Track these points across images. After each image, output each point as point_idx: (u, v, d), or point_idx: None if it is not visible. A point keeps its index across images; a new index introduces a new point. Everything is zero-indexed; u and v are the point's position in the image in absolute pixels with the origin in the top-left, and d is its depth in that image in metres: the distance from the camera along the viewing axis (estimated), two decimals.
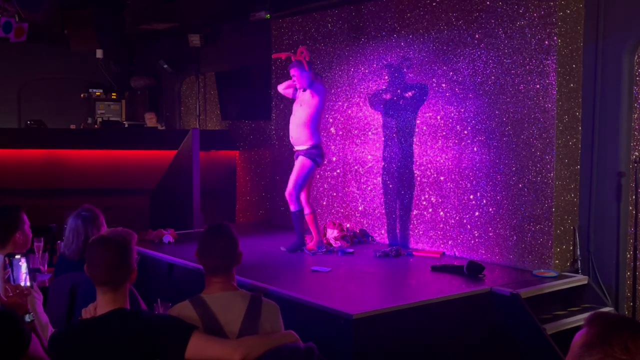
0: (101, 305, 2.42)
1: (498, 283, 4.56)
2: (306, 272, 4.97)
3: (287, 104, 7.26)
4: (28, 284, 2.84)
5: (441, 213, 5.68)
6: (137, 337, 2.35)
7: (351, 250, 5.75)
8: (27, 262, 2.91)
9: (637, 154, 4.83)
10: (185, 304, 2.57)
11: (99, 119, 9.20)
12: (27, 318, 2.64)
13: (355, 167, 6.50)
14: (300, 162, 5.58)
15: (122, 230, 2.54)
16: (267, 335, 2.56)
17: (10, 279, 2.80)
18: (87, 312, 2.48)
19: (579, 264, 4.98)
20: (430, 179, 5.77)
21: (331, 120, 6.76)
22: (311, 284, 4.68)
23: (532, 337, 4.23)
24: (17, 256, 2.88)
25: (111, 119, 9.33)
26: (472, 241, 5.43)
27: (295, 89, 5.71)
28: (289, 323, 2.74)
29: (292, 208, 5.64)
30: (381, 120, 6.22)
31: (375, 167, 6.29)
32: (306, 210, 5.69)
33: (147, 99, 10.01)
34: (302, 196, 5.65)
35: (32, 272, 2.95)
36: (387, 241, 6.13)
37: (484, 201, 5.33)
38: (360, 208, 6.47)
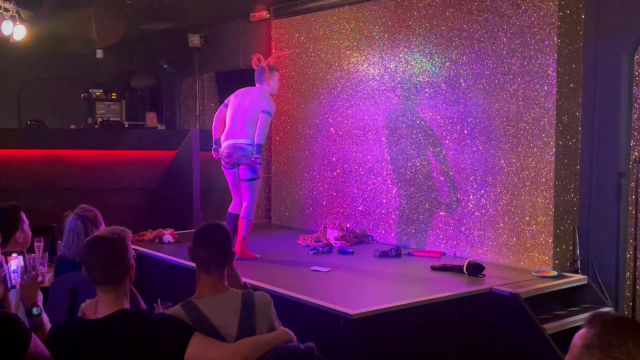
0: (103, 306, 2.42)
1: (498, 283, 4.56)
2: (306, 272, 4.97)
3: (287, 104, 7.27)
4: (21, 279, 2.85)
5: (441, 213, 5.68)
6: (140, 338, 2.34)
7: (351, 250, 5.76)
8: (24, 260, 2.90)
9: (637, 154, 4.83)
10: (177, 309, 2.53)
11: (99, 119, 9.20)
12: (35, 311, 2.65)
13: (355, 167, 6.50)
14: None
15: (116, 228, 2.55)
16: (264, 336, 2.55)
17: (7, 277, 2.81)
18: (87, 308, 2.47)
19: (579, 263, 4.98)
20: (431, 179, 5.77)
21: (331, 120, 6.76)
22: (311, 284, 4.68)
23: (532, 337, 4.23)
24: (14, 254, 2.88)
25: (111, 119, 9.33)
26: (472, 241, 5.43)
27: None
28: (289, 323, 2.74)
29: None
30: (381, 120, 6.22)
31: (375, 167, 6.29)
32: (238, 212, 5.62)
33: (147, 99, 10.01)
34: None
35: (28, 269, 2.94)
36: (387, 241, 6.13)
37: (484, 201, 5.33)
38: (360, 208, 6.47)
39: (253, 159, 5.29)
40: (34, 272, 2.73)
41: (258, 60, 5.62)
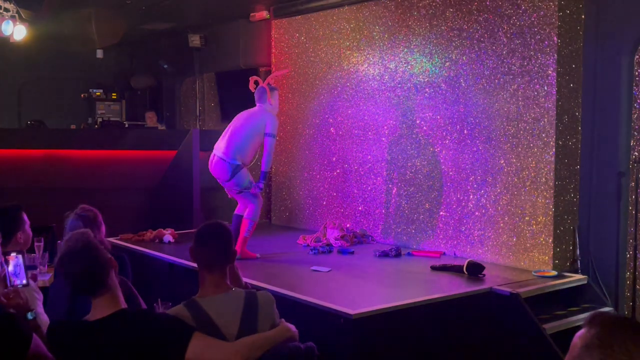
0: (101, 308, 2.40)
1: (498, 283, 4.56)
2: (306, 272, 4.97)
3: (287, 104, 7.27)
4: (23, 281, 2.84)
5: (441, 213, 5.69)
6: (140, 338, 2.34)
7: (351, 250, 5.76)
8: (23, 260, 2.90)
9: (637, 154, 4.83)
10: (179, 308, 2.53)
11: (99, 119, 9.20)
12: (29, 316, 2.64)
13: (355, 167, 6.50)
14: None
15: (76, 235, 2.50)
16: (264, 334, 2.54)
17: (7, 278, 2.81)
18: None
19: (579, 263, 4.98)
20: (431, 179, 5.77)
21: (331, 120, 6.77)
22: (311, 284, 4.68)
23: (532, 337, 4.24)
24: (13, 254, 2.88)
25: (111, 119, 9.33)
26: (472, 241, 5.43)
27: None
28: (289, 323, 2.74)
29: None
30: (381, 120, 6.22)
31: (375, 167, 6.30)
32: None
33: (147, 99, 10.02)
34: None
35: (27, 269, 2.94)
36: (387, 241, 6.13)
37: (484, 201, 5.33)
38: (360, 208, 6.47)
39: (258, 184, 5.35)
40: (14, 292, 2.68)
41: (255, 82, 5.68)
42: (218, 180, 5.53)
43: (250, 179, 5.38)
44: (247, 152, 5.37)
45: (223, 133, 5.53)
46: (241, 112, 5.60)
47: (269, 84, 5.58)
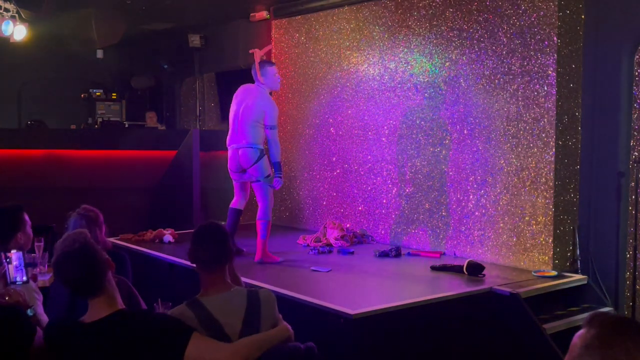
0: (98, 309, 2.39)
1: (498, 283, 4.56)
2: (306, 272, 4.97)
3: (287, 104, 7.27)
4: (24, 278, 2.85)
5: (441, 213, 5.69)
6: (139, 339, 2.33)
7: (351, 250, 5.76)
8: (24, 257, 2.91)
9: (637, 154, 4.83)
10: (182, 308, 2.54)
11: (99, 119, 9.20)
12: (29, 312, 2.64)
13: (355, 167, 6.50)
14: None
15: (73, 236, 2.46)
16: (263, 335, 2.55)
17: (7, 275, 2.81)
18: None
19: (579, 263, 4.98)
20: (431, 179, 5.77)
21: (331, 120, 6.77)
22: (311, 284, 4.68)
23: (532, 337, 4.24)
24: (13, 251, 2.88)
25: (111, 119, 9.33)
26: (472, 241, 5.43)
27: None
28: (289, 323, 2.74)
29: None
30: (381, 120, 6.22)
31: (375, 167, 6.30)
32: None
33: (147, 99, 10.02)
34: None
35: (26, 267, 2.94)
36: (387, 241, 6.13)
37: (484, 201, 5.33)
38: (360, 208, 6.47)
39: (277, 177, 5.28)
40: (11, 292, 2.68)
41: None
42: (235, 171, 5.36)
43: (270, 171, 5.29)
44: (262, 138, 5.27)
45: (232, 120, 5.36)
46: (238, 92, 5.42)
47: (261, 60, 5.41)
